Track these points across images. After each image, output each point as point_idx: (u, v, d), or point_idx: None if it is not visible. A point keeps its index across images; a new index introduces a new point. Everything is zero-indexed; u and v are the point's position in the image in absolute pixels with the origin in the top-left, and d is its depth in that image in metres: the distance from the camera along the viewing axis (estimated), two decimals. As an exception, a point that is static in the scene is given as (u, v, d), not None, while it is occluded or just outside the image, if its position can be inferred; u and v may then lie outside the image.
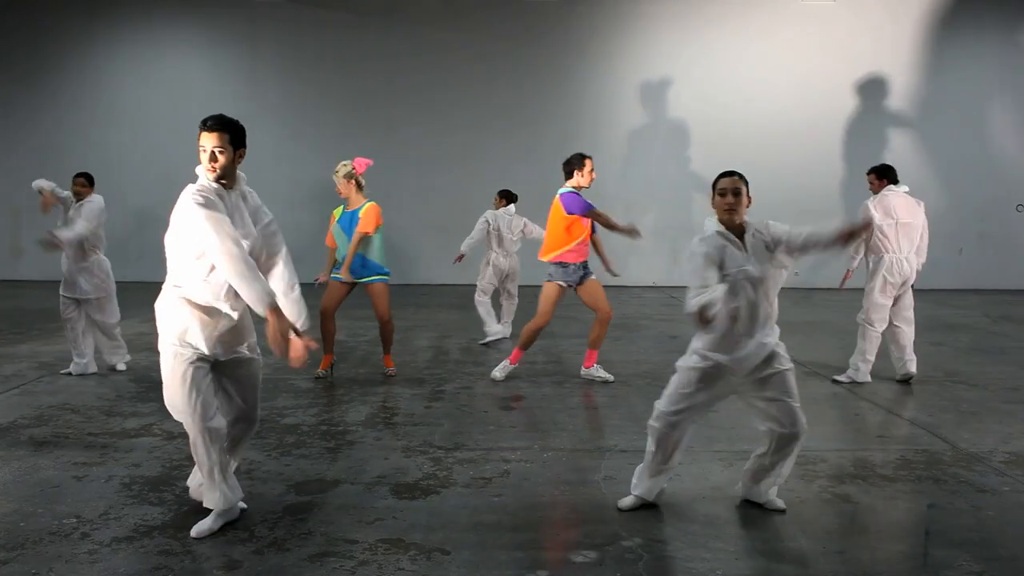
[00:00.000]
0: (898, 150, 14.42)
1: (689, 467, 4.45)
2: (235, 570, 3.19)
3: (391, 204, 14.36)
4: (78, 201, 6.56)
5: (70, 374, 6.57)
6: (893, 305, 6.67)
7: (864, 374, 6.69)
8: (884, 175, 6.78)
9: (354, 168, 6.49)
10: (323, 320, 6.54)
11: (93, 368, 6.67)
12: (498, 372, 6.67)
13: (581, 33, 14.40)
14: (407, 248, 14.32)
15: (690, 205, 14.34)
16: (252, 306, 3.30)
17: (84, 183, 6.61)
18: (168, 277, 3.46)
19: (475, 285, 8.70)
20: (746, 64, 14.31)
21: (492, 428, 5.31)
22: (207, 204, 3.26)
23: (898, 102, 14.43)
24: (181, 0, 14.37)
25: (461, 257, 8.84)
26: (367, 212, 6.47)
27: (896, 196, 6.66)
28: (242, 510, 3.71)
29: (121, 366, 6.79)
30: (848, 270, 7.07)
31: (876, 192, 6.77)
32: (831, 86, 14.25)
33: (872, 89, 14.32)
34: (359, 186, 6.54)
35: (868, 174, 6.90)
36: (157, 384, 6.22)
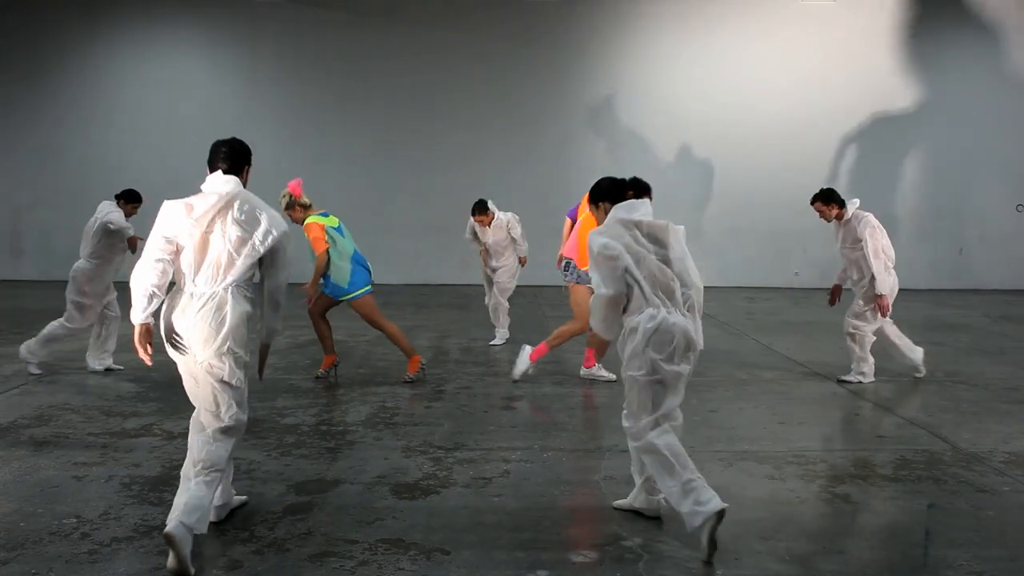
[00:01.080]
0: (898, 150, 14.42)
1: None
2: (235, 570, 3.19)
3: (391, 204, 14.49)
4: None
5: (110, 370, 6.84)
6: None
7: (870, 375, 6.71)
8: (832, 198, 6.62)
9: (291, 194, 6.39)
10: (312, 323, 6.60)
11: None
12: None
13: (581, 33, 14.39)
14: (407, 248, 14.32)
15: (690, 205, 14.33)
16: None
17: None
18: (234, 284, 3.47)
19: (481, 285, 8.78)
20: (746, 64, 14.30)
21: (492, 428, 5.31)
22: None
23: (898, 102, 14.42)
24: (181, 0, 14.37)
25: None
26: (307, 232, 6.33)
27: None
28: (245, 503, 3.82)
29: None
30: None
31: (830, 219, 6.65)
32: (831, 86, 14.24)
33: (872, 89, 14.30)
34: (304, 207, 6.42)
35: (815, 203, 6.64)
36: (157, 384, 6.28)
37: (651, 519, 3.71)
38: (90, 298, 6.66)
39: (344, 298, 6.43)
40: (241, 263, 3.45)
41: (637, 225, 3.58)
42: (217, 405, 3.43)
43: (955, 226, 14.47)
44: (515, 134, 14.42)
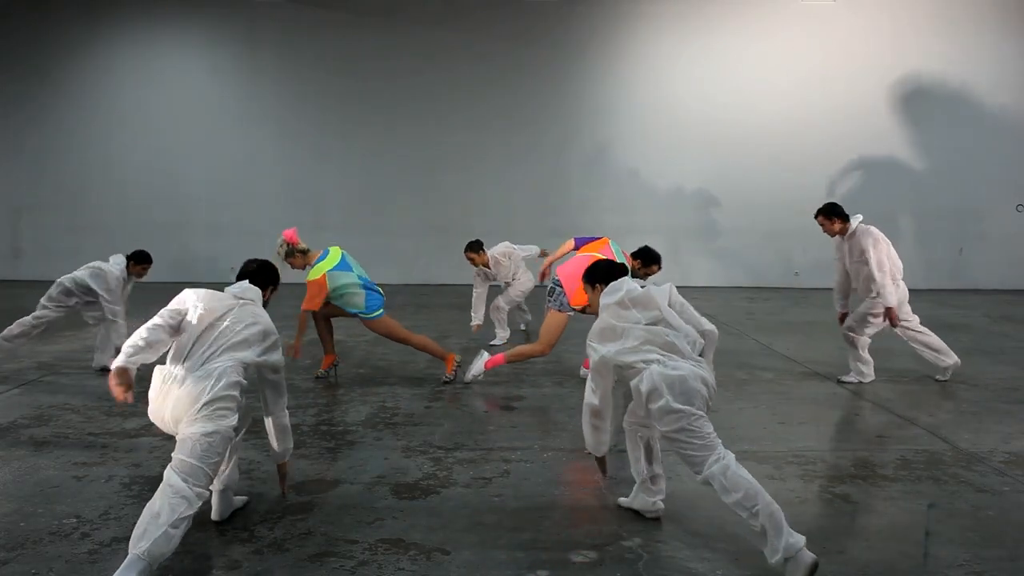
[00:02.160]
0: (898, 150, 14.42)
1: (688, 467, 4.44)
2: (235, 570, 3.20)
3: (391, 204, 14.49)
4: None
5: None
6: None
7: (870, 375, 6.71)
8: (836, 213, 6.57)
9: (289, 243, 6.33)
10: (314, 323, 6.61)
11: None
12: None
13: (581, 33, 14.40)
14: (407, 248, 14.33)
15: (690, 205, 14.34)
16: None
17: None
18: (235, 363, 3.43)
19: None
20: (746, 64, 14.31)
21: (492, 428, 5.31)
22: None
23: (898, 102, 14.42)
24: (181, 0, 14.38)
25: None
26: (307, 285, 6.27)
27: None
28: (245, 503, 3.85)
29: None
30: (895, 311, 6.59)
31: (833, 234, 6.62)
32: (831, 86, 14.25)
33: (872, 89, 14.30)
34: (304, 253, 6.39)
35: (818, 216, 6.61)
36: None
37: (650, 519, 3.72)
38: (53, 311, 6.66)
39: (362, 316, 6.40)
40: (235, 356, 3.42)
41: (620, 304, 3.65)
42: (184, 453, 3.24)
43: (955, 226, 14.47)
44: (515, 134, 14.42)
